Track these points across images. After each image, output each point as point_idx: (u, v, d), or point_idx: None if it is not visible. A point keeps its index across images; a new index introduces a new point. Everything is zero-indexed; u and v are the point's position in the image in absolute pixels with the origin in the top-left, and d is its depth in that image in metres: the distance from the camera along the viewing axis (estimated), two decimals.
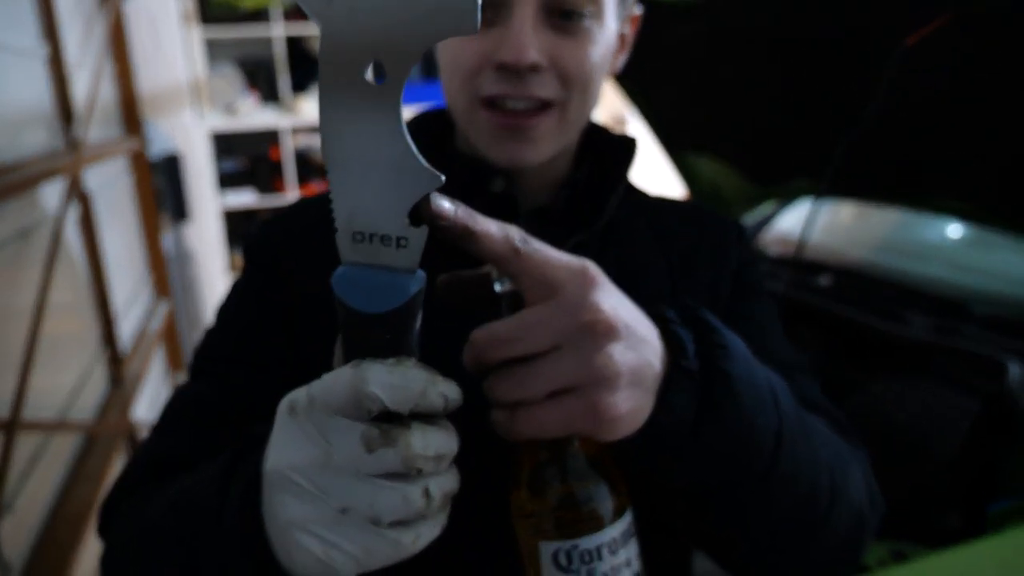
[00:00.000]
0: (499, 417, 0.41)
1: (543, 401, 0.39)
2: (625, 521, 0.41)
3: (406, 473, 0.35)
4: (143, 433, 1.88)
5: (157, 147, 3.58)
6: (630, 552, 0.41)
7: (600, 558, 0.39)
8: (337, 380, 0.36)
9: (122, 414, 1.81)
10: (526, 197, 0.65)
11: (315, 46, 4.06)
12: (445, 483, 0.37)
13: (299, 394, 0.38)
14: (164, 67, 3.63)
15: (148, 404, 2.18)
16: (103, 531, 0.59)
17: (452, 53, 0.59)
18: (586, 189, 0.67)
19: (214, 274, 3.63)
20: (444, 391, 0.37)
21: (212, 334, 0.66)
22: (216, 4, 3.87)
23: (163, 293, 2.72)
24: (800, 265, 1.87)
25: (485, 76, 0.58)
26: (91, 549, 1.36)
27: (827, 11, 1.33)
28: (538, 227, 0.66)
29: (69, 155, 1.60)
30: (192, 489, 0.48)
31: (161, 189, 3.41)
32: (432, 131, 0.68)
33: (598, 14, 0.58)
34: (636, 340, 0.41)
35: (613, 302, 0.41)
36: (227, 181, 4.23)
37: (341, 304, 0.36)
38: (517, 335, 0.39)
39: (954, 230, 1.96)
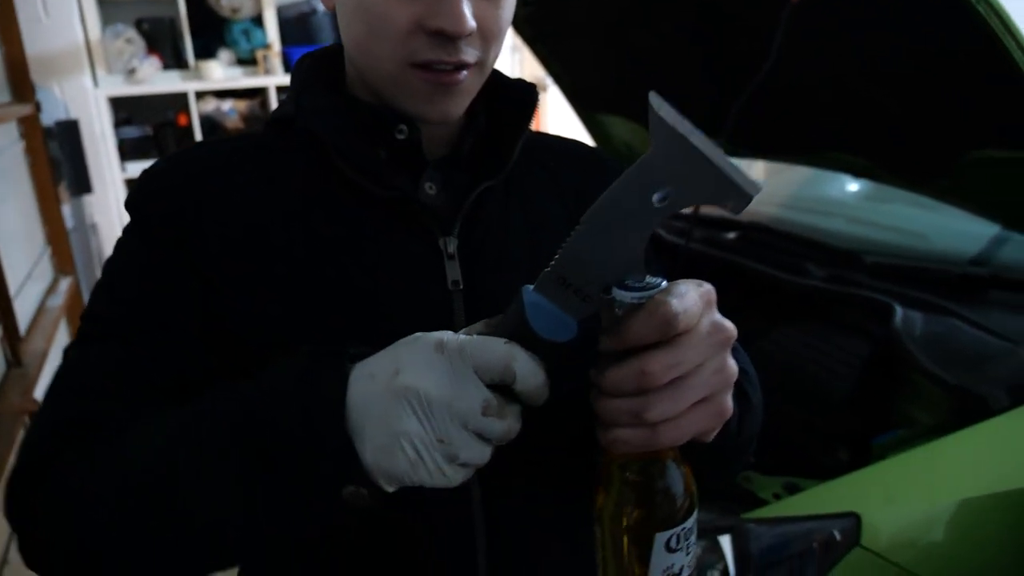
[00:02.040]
0: (630, 435, 0.46)
1: (686, 412, 0.45)
2: (697, 506, 0.50)
3: (490, 438, 0.46)
4: None
5: (51, 114, 3.39)
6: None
7: (693, 533, 0.48)
8: (491, 345, 0.45)
9: (25, 394, 1.74)
10: (429, 144, 0.65)
11: (219, 5, 3.90)
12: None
13: (451, 338, 0.46)
14: (55, 29, 3.42)
15: None
16: (20, 507, 0.56)
17: (378, 15, 0.58)
18: (489, 135, 0.68)
19: None
20: (547, 391, 0.46)
21: (104, 295, 0.63)
22: None
23: (65, 268, 2.60)
24: (708, 222, 1.94)
25: (418, 41, 0.58)
26: None
27: None
28: (446, 175, 0.66)
29: None
30: (228, 410, 0.51)
31: (58, 158, 3.24)
32: (326, 77, 0.67)
33: None
34: None
35: (721, 316, 0.47)
36: (131, 150, 4.04)
37: (521, 318, 0.46)
38: (684, 357, 0.44)
39: (851, 186, 2.06)
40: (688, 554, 0.48)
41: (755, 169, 2.44)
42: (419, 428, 0.45)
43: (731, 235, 1.83)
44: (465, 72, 0.60)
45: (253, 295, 0.60)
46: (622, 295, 0.44)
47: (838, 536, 1.04)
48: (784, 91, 1.45)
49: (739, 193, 0.42)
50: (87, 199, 3.44)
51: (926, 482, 1.09)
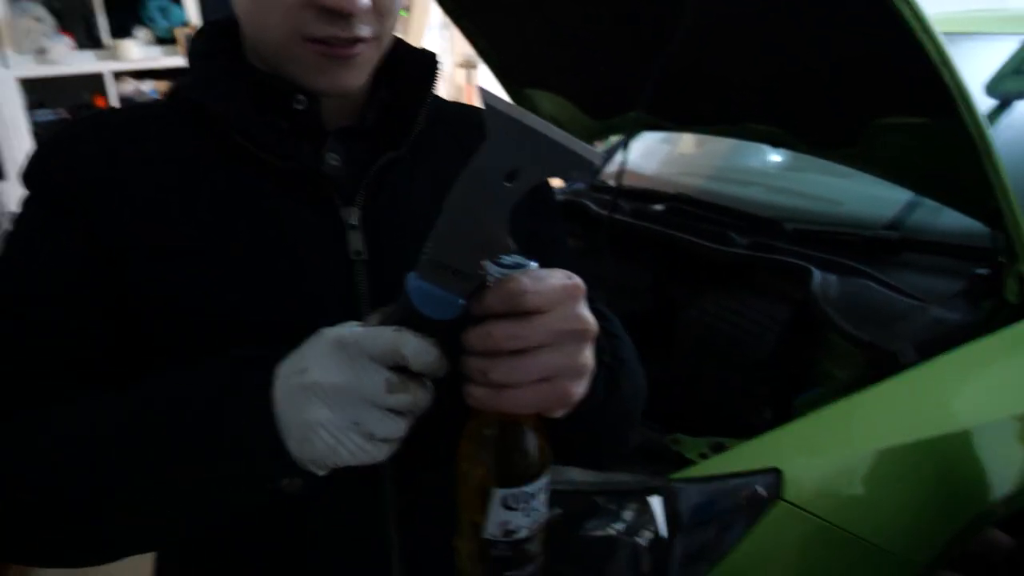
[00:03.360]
0: (479, 392, 0.50)
1: (527, 385, 0.49)
2: (547, 474, 0.54)
3: (403, 412, 0.50)
4: None
5: None
6: (546, 496, 0.54)
7: (534, 498, 0.52)
8: (380, 334, 0.49)
9: None
10: (330, 115, 0.64)
11: None
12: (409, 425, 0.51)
13: (348, 333, 0.50)
14: None
15: None
16: None
17: None
18: (392, 106, 0.68)
19: None
20: (443, 364, 0.50)
21: (1, 268, 0.61)
22: None
23: None
24: (635, 194, 1.97)
25: (310, 16, 0.57)
26: None
27: None
28: (348, 146, 0.65)
29: None
30: (157, 397, 0.54)
31: None
32: (224, 47, 0.66)
33: None
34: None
35: (588, 312, 0.51)
36: (46, 134, 3.87)
37: (408, 303, 0.50)
38: (526, 333, 0.48)
39: (771, 156, 2.12)
40: (527, 516, 0.52)
41: (682, 142, 2.50)
42: (330, 416, 0.49)
43: (656, 207, 1.87)
44: (360, 45, 0.59)
45: (155, 269, 0.59)
46: (493, 269, 0.48)
47: (762, 491, 1.09)
48: (701, 64, 1.48)
49: (580, 161, 0.47)
50: (1, 186, 3.28)
51: (843, 435, 1.14)
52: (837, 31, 1.21)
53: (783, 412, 1.26)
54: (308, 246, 0.62)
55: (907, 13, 0.98)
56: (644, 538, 1.10)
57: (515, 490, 0.51)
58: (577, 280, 0.51)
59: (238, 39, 0.66)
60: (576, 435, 0.59)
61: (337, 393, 0.48)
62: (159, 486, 0.52)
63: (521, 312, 0.48)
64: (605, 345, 0.61)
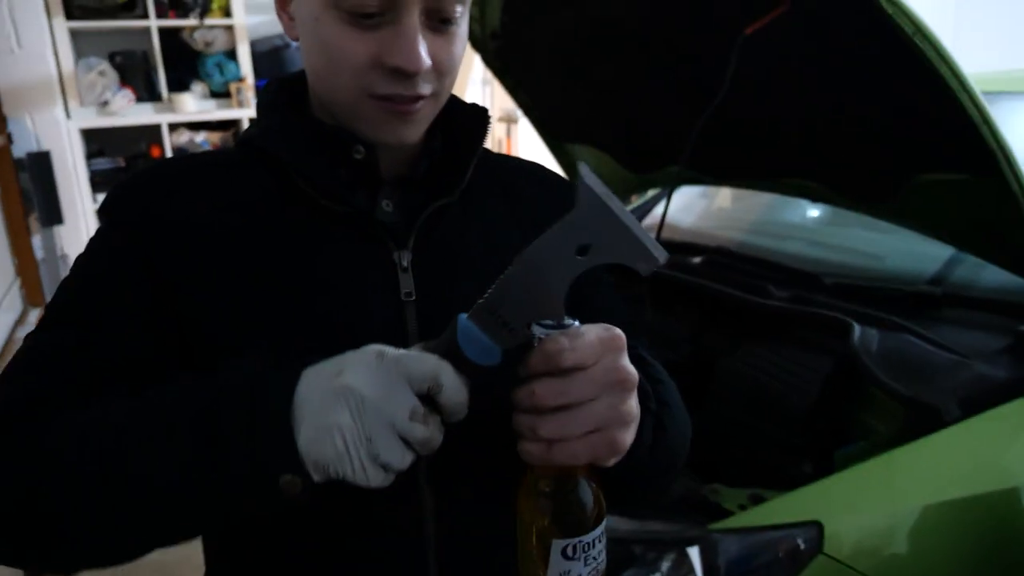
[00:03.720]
0: (532, 447, 0.53)
1: (576, 438, 0.52)
2: (604, 522, 0.56)
3: (414, 445, 0.51)
4: None
5: (22, 145, 3.38)
6: (604, 543, 0.56)
7: (592, 548, 0.54)
8: (424, 358, 0.51)
9: None
10: (386, 164, 0.68)
11: (193, 39, 3.93)
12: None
13: (391, 350, 0.52)
14: (28, 60, 3.43)
15: None
16: None
17: (337, 50, 0.61)
18: (443, 156, 0.72)
19: None
20: (465, 409, 0.52)
21: (69, 288, 0.65)
22: None
23: (35, 299, 2.58)
24: (676, 247, 1.99)
25: (377, 76, 0.61)
26: None
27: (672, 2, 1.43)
28: (402, 194, 0.70)
29: None
30: (179, 398, 0.55)
31: (29, 190, 3.22)
32: (290, 100, 0.71)
33: (464, 15, 0.64)
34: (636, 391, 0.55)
35: (629, 362, 0.54)
36: (103, 181, 4.03)
37: (453, 340, 0.52)
38: (569, 389, 0.51)
39: (811, 211, 2.13)
40: (587, 565, 0.54)
41: (720, 196, 2.52)
42: (351, 423, 0.50)
43: (697, 259, 1.88)
44: (421, 102, 0.64)
45: (212, 302, 0.63)
46: (538, 331, 0.51)
47: (802, 545, 1.07)
48: (741, 119, 1.51)
49: (647, 256, 0.50)
50: (57, 230, 3.42)
51: (885, 490, 1.13)
52: (877, 88, 1.23)
53: (823, 465, 1.25)
54: (362, 287, 0.66)
55: (946, 72, 1.00)
56: None
57: (575, 540, 0.53)
58: (615, 332, 0.53)
59: (301, 93, 0.71)
60: (626, 480, 0.60)
61: (365, 403, 0.50)
62: (169, 463, 0.52)
63: (563, 369, 0.51)
64: (649, 391, 0.63)
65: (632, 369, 0.54)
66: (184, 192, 0.66)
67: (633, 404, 0.54)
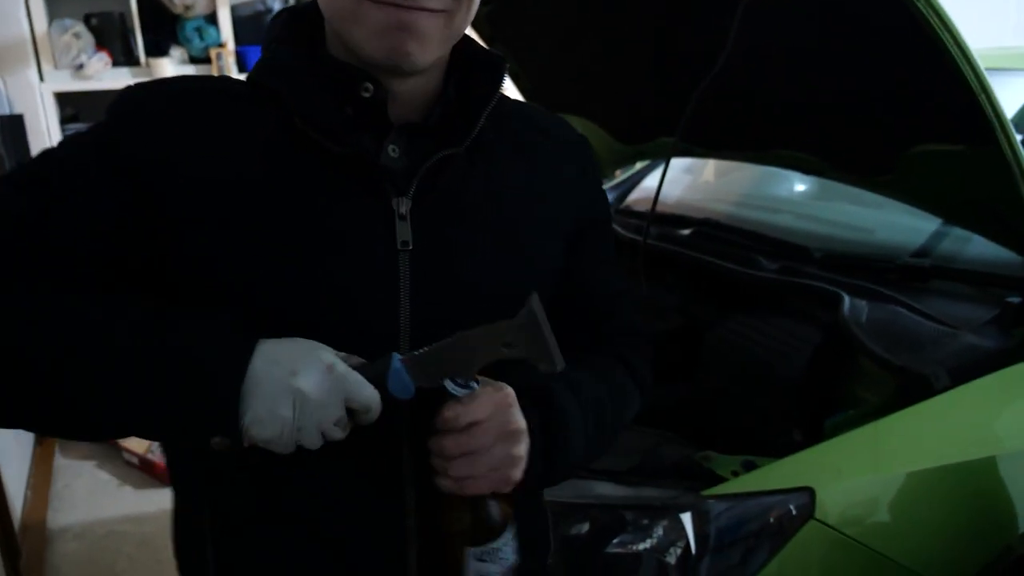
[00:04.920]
0: (446, 482, 0.64)
1: (478, 475, 0.63)
2: (511, 529, 0.68)
3: (327, 438, 0.61)
4: None
5: None
6: (514, 543, 0.69)
7: (501, 551, 0.67)
8: (363, 387, 0.61)
9: None
10: (396, 110, 0.66)
11: (172, 2, 3.83)
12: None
13: (340, 366, 0.60)
14: (0, 21, 3.33)
15: None
16: None
17: None
18: (456, 105, 0.70)
19: None
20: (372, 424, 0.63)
21: (53, 157, 0.64)
22: None
23: None
24: (666, 219, 1.99)
25: None
26: None
27: None
28: (410, 140, 0.67)
29: None
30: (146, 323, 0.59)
31: (1, 154, 3.14)
32: (299, 33, 0.68)
33: None
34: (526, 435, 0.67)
35: (518, 415, 0.66)
36: None
37: (383, 375, 0.62)
38: (468, 442, 0.63)
39: (800, 185, 2.14)
40: (498, 565, 0.67)
41: (705, 172, 2.52)
42: (290, 416, 0.58)
43: (688, 231, 1.88)
44: (426, 15, 0.60)
45: (205, 238, 0.62)
46: (449, 386, 0.63)
47: (794, 510, 1.09)
48: (736, 90, 1.50)
49: (551, 364, 0.62)
50: None
51: (874, 457, 1.14)
52: (875, 58, 1.23)
53: (813, 434, 1.26)
54: (357, 232, 0.64)
55: (948, 40, 1.00)
56: (673, 555, 1.10)
57: (485, 547, 0.66)
58: (506, 391, 0.65)
59: (317, 26, 0.68)
60: (529, 488, 0.70)
61: (306, 404, 0.58)
62: (116, 370, 0.57)
63: (461, 428, 0.62)
64: (537, 427, 0.69)
65: (519, 421, 0.65)
66: (189, 119, 0.64)
67: (522, 448, 0.65)
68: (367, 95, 0.64)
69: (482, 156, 0.70)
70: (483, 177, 0.70)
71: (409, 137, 0.68)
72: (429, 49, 0.62)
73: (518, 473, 0.65)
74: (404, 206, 0.65)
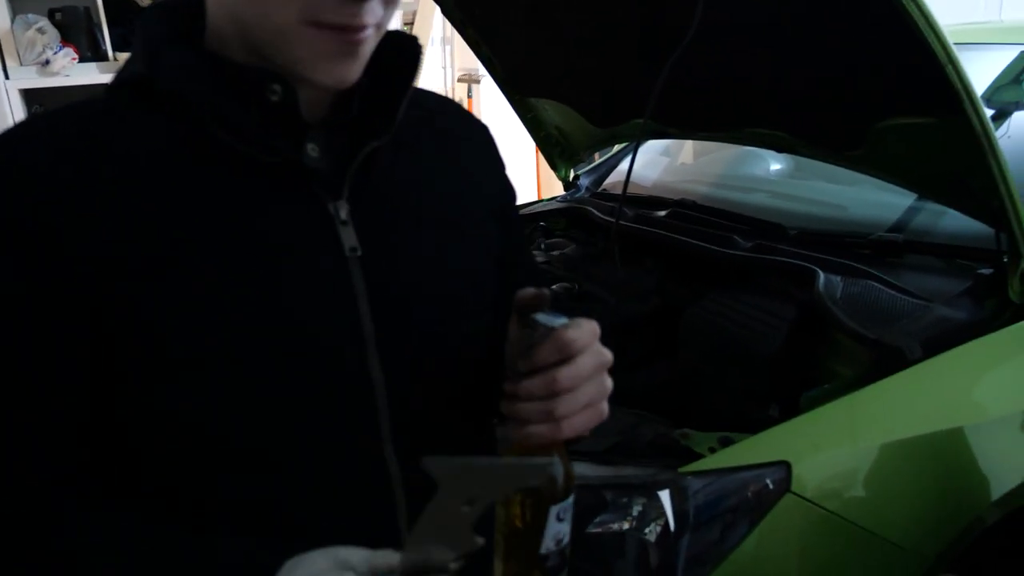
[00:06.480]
0: (543, 429, 0.58)
1: (578, 412, 0.59)
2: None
3: None
4: None
5: None
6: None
7: (571, 508, 0.61)
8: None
9: None
10: (306, 107, 0.60)
11: None
12: None
13: (355, 562, 0.51)
14: None
15: None
16: None
17: None
18: (369, 94, 0.64)
19: None
20: None
21: None
22: None
23: None
24: (638, 200, 1.99)
25: (322, 1, 0.53)
26: None
27: None
28: (327, 136, 0.62)
29: None
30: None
31: None
32: (179, 32, 0.60)
33: None
34: None
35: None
36: None
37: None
38: (579, 373, 0.58)
39: (774, 165, 2.15)
40: (568, 524, 0.61)
41: (680, 154, 2.52)
42: None
43: (663, 213, 1.88)
44: (367, 31, 0.56)
45: (132, 289, 0.55)
46: (543, 319, 0.58)
47: (771, 484, 1.09)
48: (706, 69, 1.50)
49: (533, 470, 0.52)
50: None
51: (849, 430, 1.15)
52: (843, 32, 1.23)
53: (790, 408, 1.26)
54: (300, 246, 0.60)
55: (914, 11, 1.00)
56: (653, 533, 1.10)
57: (564, 504, 0.60)
58: (595, 323, 0.61)
59: (190, 23, 0.61)
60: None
61: None
62: None
63: (569, 357, 0.57)
64: None
65: (606, 349, 0.61)
66: (67, 164, 0.55)
67: (609, 380, 0.62)
68: (275, 99, 0.58)
69: (405, 145, 0.66)
70: (411, 167, 0.67)
71: (326, 134, 0.63)
72: (362, 65, 0.59)
73: (607, 408, 0.62)
74: (343, 210, 0.61)
